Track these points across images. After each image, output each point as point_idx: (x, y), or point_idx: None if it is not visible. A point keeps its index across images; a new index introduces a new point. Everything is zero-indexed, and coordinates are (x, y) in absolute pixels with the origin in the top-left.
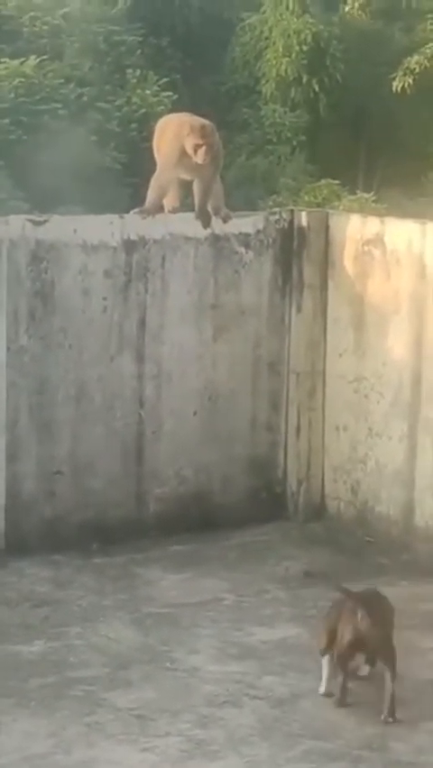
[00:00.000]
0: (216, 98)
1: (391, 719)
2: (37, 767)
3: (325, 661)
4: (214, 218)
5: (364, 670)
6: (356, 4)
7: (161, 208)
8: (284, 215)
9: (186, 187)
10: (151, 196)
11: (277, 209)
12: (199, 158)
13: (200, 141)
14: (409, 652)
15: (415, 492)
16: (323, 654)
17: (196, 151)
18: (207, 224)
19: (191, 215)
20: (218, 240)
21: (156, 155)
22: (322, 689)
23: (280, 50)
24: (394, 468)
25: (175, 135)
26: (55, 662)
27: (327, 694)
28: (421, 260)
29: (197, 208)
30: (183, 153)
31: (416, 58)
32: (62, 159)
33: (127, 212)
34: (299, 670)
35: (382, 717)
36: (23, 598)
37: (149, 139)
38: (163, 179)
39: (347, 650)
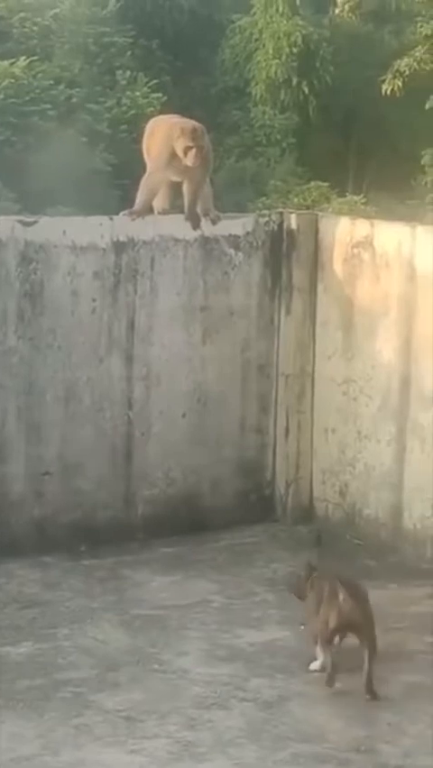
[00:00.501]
0: (205, 100)
1: (368, 696)
2: None
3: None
4: (203, 220)
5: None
6: (346, 7)
7: (150, 210)
8: (273, 218)
9: (175, 189)
10: (140, 197)
11: (266, 211)
12: (190, 160)
13: (191, 144)
14: (397, 655)
15: (403, 495)
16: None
17: (186, 154)
18: (196, 225)
19: (181, 217)
20: (208, 242)
21: (145, 157)
22: (317, 665)
23: (270, 52)
24: (383, 471)
25: (165, 137)
26: (43, 663)
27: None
28: (411, 263)
29: (186, 210)
30: (173, 155)
31: (405, 60)
32: (52, 160)
33: (117, 213)
34: (287, 672)
35: (364, 693)
36: (11, 599)
37: (139, 140)
38: (153, 181)
39: (333, 632)
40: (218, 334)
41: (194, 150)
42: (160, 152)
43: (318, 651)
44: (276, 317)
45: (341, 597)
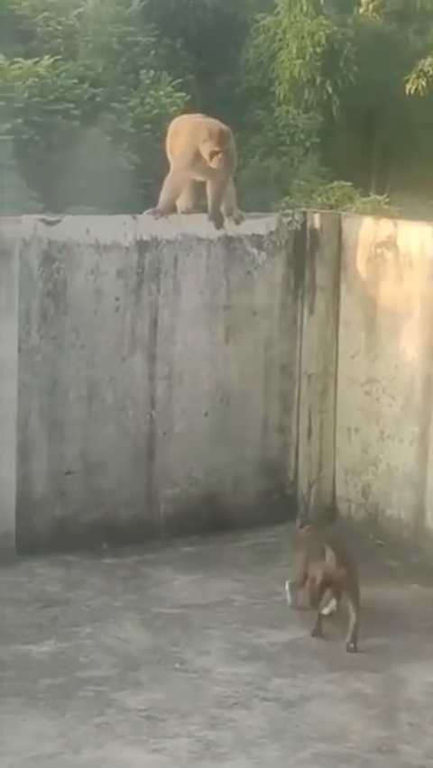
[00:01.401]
0: (229, 99)
1: (352, 645)
2: (46, 767)
3: (288, 586)
4: (227, 219)
5: (332, 605)
6: (370, 6)
7: (173, 209)
8: (297, 217)
9: (199, 188)
10: (164, 196)
11: (290, 211)
12: (215, 163)
13: (217, 149)
14: (419, 655)
15: (426, 495)
16: (292, 588)
17: (212, 157)
18: (219, 225)
19: (204, 216)
20: (231, 241)
21: (169, 156)
22: (290, 601)
23: (294, 51)
24: (405, 471)
25: (191, 137)
26: (65, 662)
27: (294, 605)
28: None
29: (210, 209)
30: (197, 155)
31: (429, 60)
32: (75, 159)
33: (140, 212)
34: (308, 672)
35: (345, 643)
36: (34, 597)
37: (162, 140)
38: (177, 180)
39: (319, 588)
40: (241, 334)
41: (220, 155)
42: (184, 152)
43: (289, 594)
44: (299, 317)
45: (328, 556)
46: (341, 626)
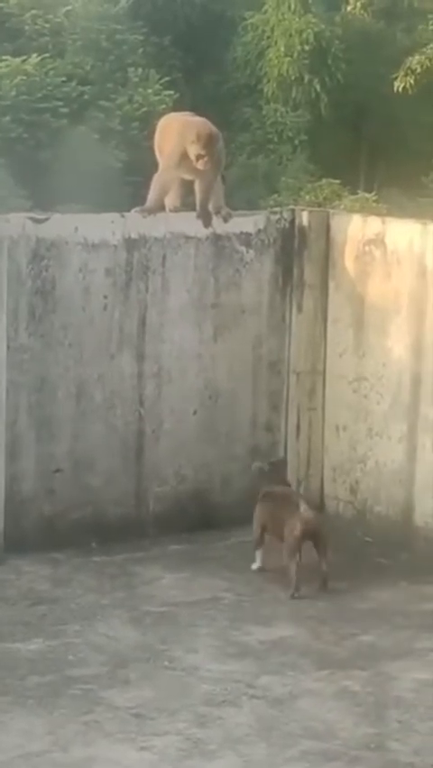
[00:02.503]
0: (217, 97)
1: (324, 589)
2: (35, 765)
3: (258, 552)
4: (215, 218)
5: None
6: (358, 4)
7: (162, 207)
8: (285, 215)
9: (187, 186)
10: (152, 194)
11: (278, 209)
12: (201, 166)
13: (203, 152)
14: (407, 652)
15: (414, 492)
16: (256, 549)
17: (198, 160)
18: (208, 223)
19: (192, 214)
20: (219, 239)
21: (157, 154)
22: (256, 566)
23: (282, 49)
24: (394, 468)
25: (179, 137)
26: (53, 660)
27: (260, 569)
28: (422, 261)
29: (198, 207)
30: (185, 155)
31: (417, 58)
32: (64, 157)
33: (128, 210)
34: (297, 669)
35: (317, 588)
36: (22, 595)
37: (150, 137)
38: (165, 179)
39: (298, 540)
40: (229, 332)
41: (206, 159)
42: (172, 151)
43: (258, 554)
44: (287, 315)
45: (302, 507)
46: (327, 616)
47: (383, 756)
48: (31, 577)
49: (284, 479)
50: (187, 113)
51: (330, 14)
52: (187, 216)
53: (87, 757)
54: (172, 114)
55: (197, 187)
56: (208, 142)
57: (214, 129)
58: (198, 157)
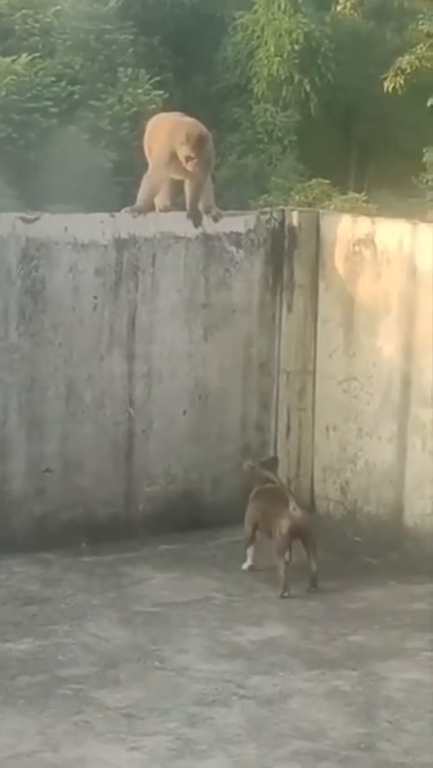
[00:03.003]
0: (207, 97)
1: (314, 588)
2: (25, 765)
3: (249, 551)
4: (205, 217)
5: (249, 561)
6: (348, 4)
7: (152, 207)
8: (275, 215)
9: (177, 186)
10: (142, 194)
11: (268, 209)
12: (190, 167)
13: (192, 154)
14: (397, 652)
15: (404, 492)
16: (247, 547)
17: (187, 161)
18: (198, 223)
19: (182, 214)
20: (209, 239)
21: (147, 155)
22: (246, 565)
23: (272, 49)
24: (384, 468)
25: (168, 137)
26: (44, 660)
27: (251, 568)
28: (412, 261)
29: (188, 208)
30: (174, 156)
31: (407, 58)
32: (53, 157)
33: (118, 210)
34: (287, 669)
35: (307, 587)
36: (12, 596)
37: (140, 137)
38: (154, 179)
39: (286, 539)
40: (219, 332)
41: (195, 161)
42: (161, 151)
43: (249, 552)
44: (277, 315)
45: (291, 506)
46: (318, 616)
47: (374, 756)
48: (21, 577)
49: (276, 477)
50: (176, 113)
51: (320, 14)
52: (177, 216)
53: (77, 757)
54: (162, 115)
55: (187, 187)
56: (198, 143)
57: (204, 130)
58: (188, 158)
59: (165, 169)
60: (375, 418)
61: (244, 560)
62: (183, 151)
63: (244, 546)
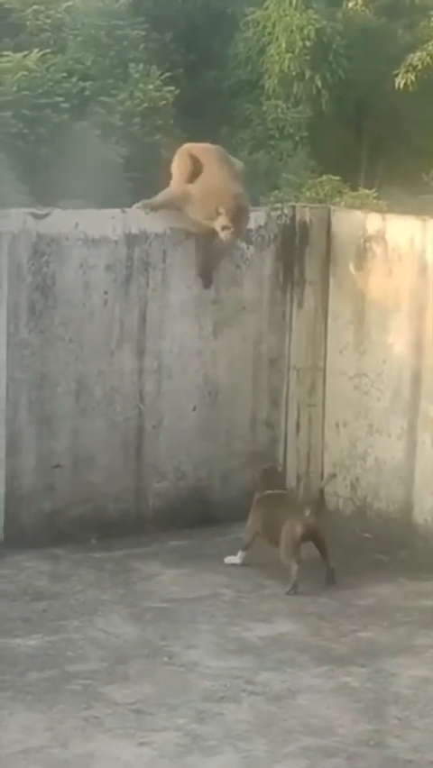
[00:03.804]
0: (218, 93)
1: (333, 584)
2: (34, 761)
3: (242, 552)
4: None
5: (240, 555)
6: (360, 1)
7: (165, 208)
8: (286, 211)
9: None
10: (160, 199)
11: (279, 205)
12: (224, 236)
13: (230, 225)
14: (406, 649)
15: (414, 489)
16: (243, 550)
17: (222, 230)
18: (207, 284)
19: None
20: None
21: (173, 181)
22: (230, 560)
23: (283, 45)
24: (393, 465)
25: (211, 196)
26: (53, 655)
27: (234, 565)
28: (422, 258)
29: (201, 266)
30: (210, 215)
31: (418, 54)
32: (64, 152)
33: (129, 206)
34: (296, 665)
35: (325, 583)
36: (22, 591)
37: (151, 133)
38: (176, 202)
39: (299, 542)
40: (230, 328)
41: (231, 231)
42: (197, 210)
43: (240, 553)
44: (288, 311)
45: (307, 512)
46: (327, 613)
47: (382, 753)
48: (30, 573)
49: (277, 484)
50: (213, 150)
51: (331, 11)
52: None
53: (86, 753)
54: (206, 152)
55: (208, 245)
56: (238, 216)
57: (245, 203)
58: (225, 228)
59: (195, 218)
60: (385, 415)
61: (233, 555)
62: (222, 220)
63: (240, 548)
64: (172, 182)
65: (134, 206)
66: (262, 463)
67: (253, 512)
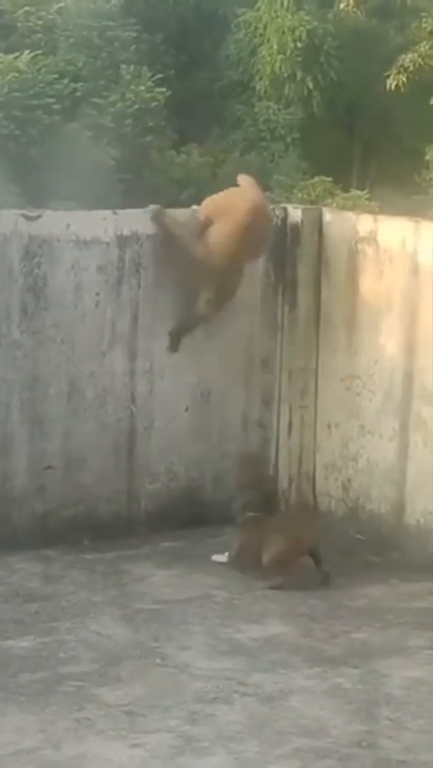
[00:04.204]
0: (210, 95)
1: (326, 585)
2: (26, 762)
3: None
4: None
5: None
6: (351, 2)
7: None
8: (277, 212)
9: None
10: (171, 225)
11: (270, 206)
12: (208, 309)
13: (214, 303)
14: (399, 650)
15: (406, 490)
16: (230, 561)
17: (208, 303)
18: (174, 348)
19: (185, 211)
20: None
21: (194, 227)
22: (218, 558)
23: (275, 46)
24: (385, 466)
25: (206, 263)
26: (45, 657)
27: (220, 562)
28: (414, 259)
29: (175, 326)
30: (202, 282)
31: (410, 56)
32: (56, 154)
33: (120, 207)
34: (288, 667)
35: (319, 582)
36: (13, 593)
37: (143, 135)
38: (179, 243)
39: (301, 553)
40: (221, 329)
41: (215, 306)
42: (198, 264)
43: (227, 556)
44: (280, 312)
45: (311, 525)
46: (319, 614)
47: (375, 754)
48: (22, 574)
49: (261, 507)
50: (241, 199)
51: (323, 12)
52: (179, 214)
53: (78, 754)
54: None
55: (206, 296)
56: (223, 300)
57: (237, 283)
58: (210, 302)
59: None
60: (377, 416)
61: (222, 554)
62: (214, 295)
63: (228, 561)
64: (197, 223)
65: (150, 206)
66: (248, 491)
67: (237, 536)
